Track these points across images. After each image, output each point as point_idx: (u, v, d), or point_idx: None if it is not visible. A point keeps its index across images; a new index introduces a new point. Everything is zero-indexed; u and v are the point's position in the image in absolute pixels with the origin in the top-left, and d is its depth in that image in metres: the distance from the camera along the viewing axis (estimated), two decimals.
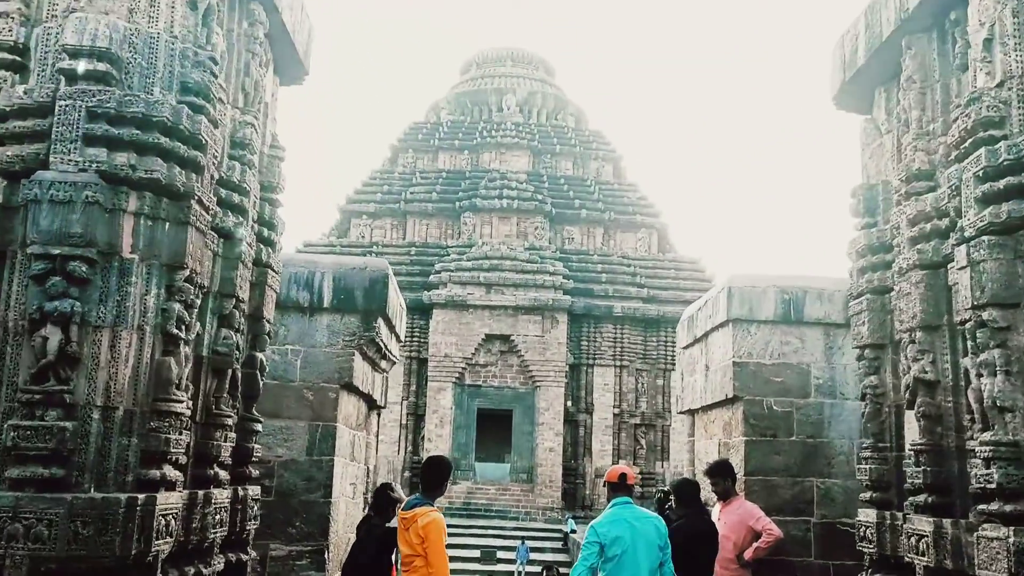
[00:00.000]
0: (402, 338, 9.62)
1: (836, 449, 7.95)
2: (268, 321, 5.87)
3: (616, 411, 30.62)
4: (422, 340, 30.11)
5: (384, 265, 8.17)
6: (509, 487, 29.80)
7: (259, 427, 5.81)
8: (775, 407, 8.00)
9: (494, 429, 30.07)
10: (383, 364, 9.17)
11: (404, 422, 30.23)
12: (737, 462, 7.90)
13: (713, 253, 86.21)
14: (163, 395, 4.30)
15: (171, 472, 4.35)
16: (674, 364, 31.02)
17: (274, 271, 5.87)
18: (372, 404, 9.53)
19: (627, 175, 33.98)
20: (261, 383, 5.82)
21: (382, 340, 8.39)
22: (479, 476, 29.81)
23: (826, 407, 8.00)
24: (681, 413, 10.00)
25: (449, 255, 30.43)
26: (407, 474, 29.84)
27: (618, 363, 30.53)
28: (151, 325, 4.27)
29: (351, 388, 8.23)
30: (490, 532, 26.86)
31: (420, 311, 29.75)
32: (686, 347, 9.67)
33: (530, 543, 25.03)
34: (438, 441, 29.50)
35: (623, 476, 5.54)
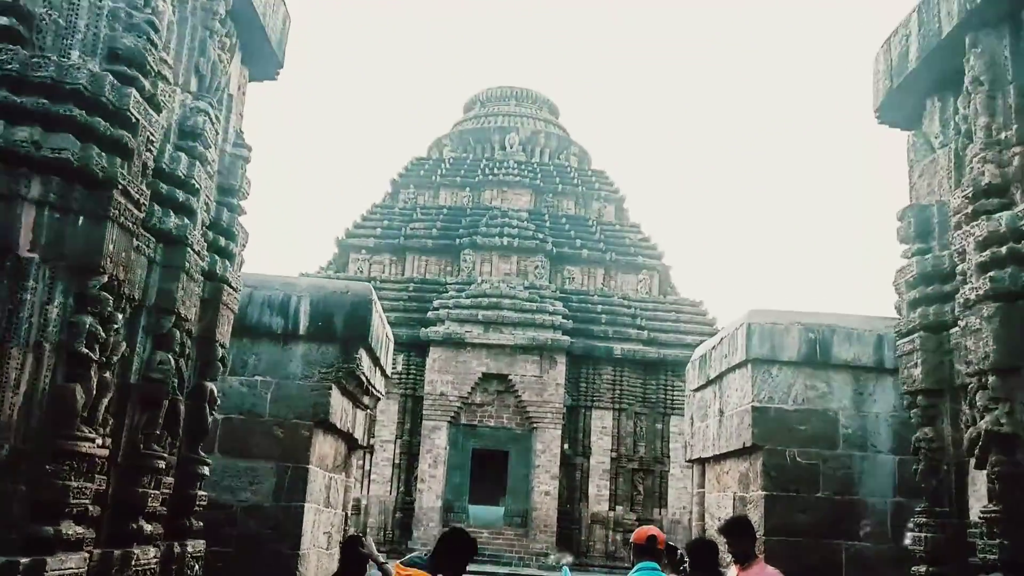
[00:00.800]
0: (388, 372, 8.67)
1: (868, 508, 6.96)
2: (223, 345, 4.94)
3: (614, 455, 29.49)
4: (418, 378, 29.08)
5: (367, 289, 7.26)
6: (503, 531, 28.56)
7: (206, 470, 4.85)
8: (799, 459, 7.03)
9: (489, 471, 28.92)
10: (365, 400, 8.21)
11: (397, 461, 29.06)
12: (756, 520, 6.92)
13: (717, 296, 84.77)
14: (65, 431, 3.36)
15: (72, 528, 3.39)
16: (674, 408, 29.93)
17: (231, 287, 4.96)
18: (353, 444, 8.55)
19: (629, 216, 33.21)
20: (211, 418, 4.88)
21: (364, 373, 7.45)
22: (472, 519, 28.57)
23: (856, 460, 7.03)
24: (690, 462, 9.01)
25: (448, 292, 29.52)
26: (399, 515, 28.63)
27: (617, 406, 29.46)
28: (52, 342, 3.35)
29: (327, 426, 7.27)
30: None
31: (417, 348, 28.76)
32: (697, 389, 8.71)
33: None
34: (431, 482, 28.35)
35: (652, 539, 4.66)
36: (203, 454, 4.80)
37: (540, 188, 32.18)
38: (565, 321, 28.87)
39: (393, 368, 31.03)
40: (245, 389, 7.02)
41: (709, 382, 8.21)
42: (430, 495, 28.42)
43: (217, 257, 4.78)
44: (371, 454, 28.91)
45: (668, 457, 29.44)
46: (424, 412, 28.47)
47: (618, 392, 29.49)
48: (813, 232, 78.29)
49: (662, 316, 29.93)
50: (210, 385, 4.83)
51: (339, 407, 7.39)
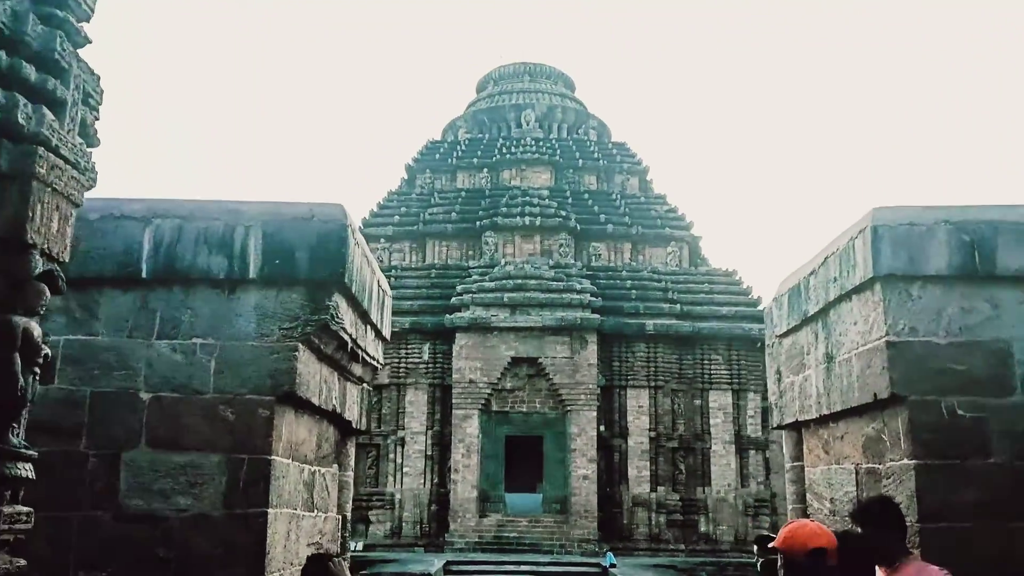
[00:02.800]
0: (386, 333, 6.45)
1: None
2: (52, 257, 2.75)
3: (652, 434, 27.24)
4: (445, 366, 27.01)
5: (340, 212, 5.04)
6: (541, 519, 26.38)
7: (26, 469, 2.66)
8: (960, 411, 4.71)
9: (524, 457, 26.74)
10: (356, 370, 6.00)
11: (429, 453, 27.01)
12: (902, 501, 4.63)
13: (751, 264, 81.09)
14: None
15: None
16: (712, 383, 27.49)
17: (64, 160, 2.76)
18: (346, 429, 6.36)
19: (654, 187, 30.79)
20: (31, 382, 2.68)
21: (345, 329, 5.24)
22: (510, 508, 26.42)
23: None
24: (781, 428, 6.71)
25: (471, 276, 27.37)
26: (434, 507, 26.56)
27: (652, 384, 27.20)
28: None
29: (298, 402, 5.08)
30: (523, 569, 23.40)
31: (442, 336, 26.70)
32: (786, 334, 6.41)
33: None
34: (465, 472, 26.24)
35: (819, 553, 2.48)
36: (15, 441, 2.61)
37: (560, 164, 29.88)
38: (594, 299, 26.65)
39: (419, 357, 28.89)
40: (179, 357, 4.84)
41: (807, 320, 5.91)
42: (465, 485, 26.33)
43: (21, 98, 2.58)
44: (402, 446, 26.85)
45: (709, 434, 27.17)
46: (454, 401, 26.40)
47: (653, 369, 27.26)
48: (849, 188, 74.76)
49: (694, 288, 27.59)
50: (24, 323, 2.63)
51: (313, 376, 5.19)
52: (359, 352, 5.79)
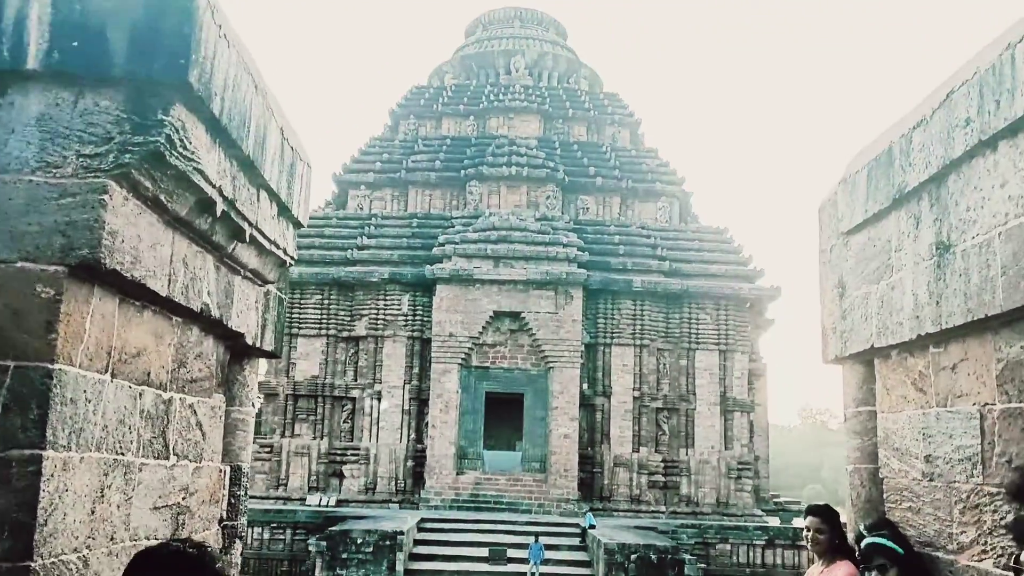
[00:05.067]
0: (298, 214, 4.37)
1: None
2: None
3: (636, 394, 25.44)
4: (425, 319, 25.02)
5: None
6: (520, 477, 24.62)
7: None
8: None
9: (504, 414, 24.90)
10: (245, 257, 3.93)
11: (406, 408, 25.11)
12: None
13: (742, 222, 79.13)
14: None
15: None
16: (699, 343, 25.53)
17: None
18: (240, 346, 4.32)
19: (646, 140, 28.70)
20: None
21: (203, 171, 3.17)
22: (488, 466, 24.63)
23: None
24: (840, 361, 4.71)
25: (454, 227, 25.30)
26: (410, 463, 24.72)
27: (638, 342, 25.34)
28: None
29: (119, 282, 3.03)
30: (500, 528, 21.65)
31: (423, 288, 24.68)
32: (857, 228, 4.38)
33: (544, 540, 19.86)
34: (443, 428, 24.36)
35: None
36: None
37: (549, 114, 27.68)
38: (580, 253, 24.65)
39: (398, 309, 26.59)
40: None
41: (903, 198, 3.88)
42: (442, 442, 24.46)
43: None
44: (378, 400, 24.94)
45: (694, 394, 25.40)
46: (433, 355, 24.45)
47: (639, 327, 25.37)
48: (841, 142, 72.75)
49: (684, 245, 25.64)
50: None
51: (152, 246, 3.13)
52: (244, 227, 3.72)
